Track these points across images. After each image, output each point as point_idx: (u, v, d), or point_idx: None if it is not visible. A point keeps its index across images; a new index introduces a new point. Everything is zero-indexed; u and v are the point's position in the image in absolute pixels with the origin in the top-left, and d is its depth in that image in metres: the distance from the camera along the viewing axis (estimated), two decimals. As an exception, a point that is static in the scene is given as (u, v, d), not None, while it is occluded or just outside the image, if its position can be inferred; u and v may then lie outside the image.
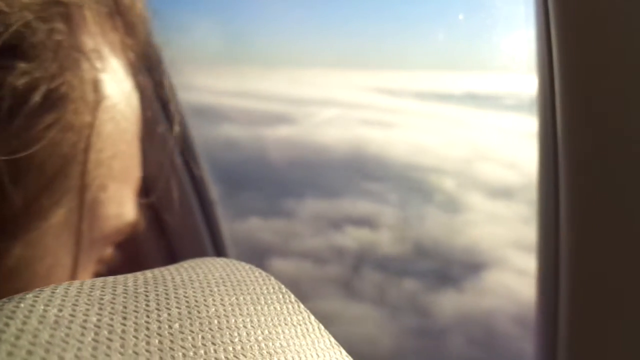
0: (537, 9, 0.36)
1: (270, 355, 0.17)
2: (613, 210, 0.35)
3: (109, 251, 0.28)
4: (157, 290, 0.17)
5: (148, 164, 0.29)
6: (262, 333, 0.17)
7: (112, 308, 0.15)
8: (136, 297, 0.17)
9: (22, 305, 0.14)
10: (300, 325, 0.19)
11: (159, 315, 0.16)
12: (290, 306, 0.19)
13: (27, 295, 0.15)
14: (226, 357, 0.15)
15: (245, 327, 0.17)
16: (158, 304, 0.16)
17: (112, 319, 0.15)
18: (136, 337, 0.14)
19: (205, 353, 0.15)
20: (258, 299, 0.19)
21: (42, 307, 0.14)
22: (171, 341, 0.15)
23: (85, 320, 0.14)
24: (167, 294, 0.17)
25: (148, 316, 0.16)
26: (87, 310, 0.15)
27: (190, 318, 0.16)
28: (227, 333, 0.16)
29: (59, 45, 0.22)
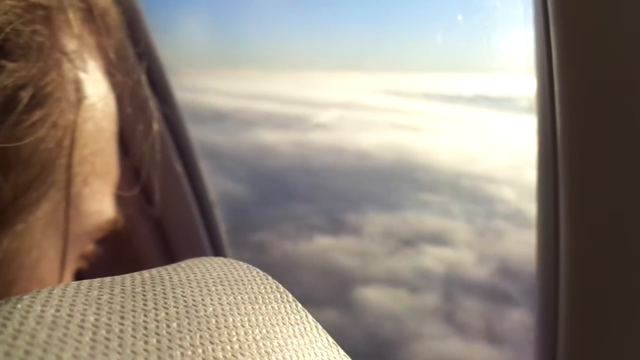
0: (536, 9, 0.36)
1: (268, 354, 0.17)
2: (612, 211, 0.35)
3: (90, 248, 0.28)
4: (155, 290, 0.17)
5: (125, 162, 0.30)
6: (260, 332, 0.17)
7: (110, 308, 0.15)
8: (134, 296, 0.17)
9: (19, 305, 0.14)
10: (297, 324, 0.19)
11: (156, 315, 0.16)
12: (287, 305, 0.19)
13: (24, 296, 0.15)
14: (224, 357, 0.15)
15: (243, 326, 0.17)
16: (156, 304, 0.16)
17: (110, 319, 0.15)
18: (134, 337, 0.14)
19: (204, 352, 0.15)
20: (256, 298, 0.19)
21: (40, 308, 0.14)
22: (169, 340, 0.15)
23: (83, 320, 0.14)
24: (164, 294, 0.17)
25: (146, 315, 0.16)
26: (85, 310, 0.15)
27: (188, 317, 0.16)
28: (225, 332, 0.16)
29: (42, 47, 0.24)
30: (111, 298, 0.16)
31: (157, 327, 0.15)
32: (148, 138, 0.40)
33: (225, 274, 0.20)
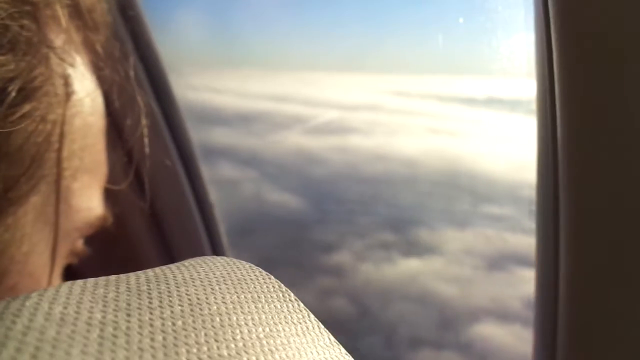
0: (537, 12, 0.36)
1: (272, 352, 0.17)
2: (612, 213, 0.36)
3: (80, 244, 0.29)
4: (160, 288, 0.18)
5: (114, 158, 0.30)
6: (264, 331, 0.17)
7: (116, 305, 0.16)
8: (139, 294, 0.17)
9: (27, 303, 0.14)
10: (300, 323, 0.19)
11: (162, 313, 0.16)
12: (290, 304, 0.20)
13: (32, 294, 0.15)
14: (229, 354, 0.16)
15: (246, 324, 0.17)
16: (161, 302, 0.17)
17: (116, 316, 0.15)
18: (140, 334, 0.15)
19: (209, 350, 0.15)
20: (259, 297, 0.19)
21: (48, 305, 0.15)
22: (175, 338, 0.15)
23: (90, 318, 0.15)
24: (169, 292, 0.17)
25: (151, 313, 0.16)
26: (92, 307, 0.15)
27: (192, 315, 0.16)
28: (229, 330, 0.17)
29: (29, 42, 0.24)
30: (117, 296, 0.16)
31: (163, 324, 0.15)
32: (137, 132, 0.41)
33: (228, 273, 0.20)
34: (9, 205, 0.23)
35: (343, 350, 0.19)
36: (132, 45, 0.59)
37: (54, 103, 0.25)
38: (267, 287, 0.20)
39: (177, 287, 0.18)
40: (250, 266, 0.21)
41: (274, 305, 0.19)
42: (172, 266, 0.20)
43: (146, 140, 0.40)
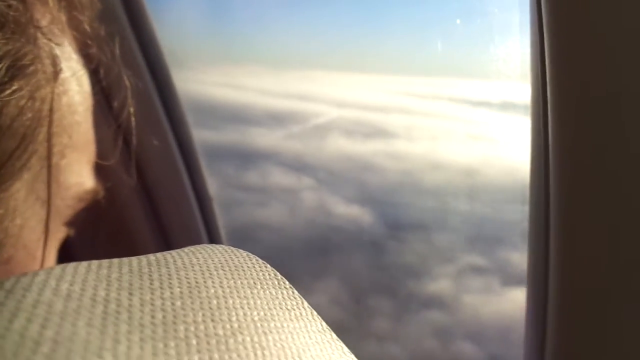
0: (532, 16, 0.37)
1: (265, 334, 0.18)
2: (603, 215, 0.36)
3: (73, 216, 0.29)
4: (160, 271, 0.18)
5: (101, 135, 0.31)
6: (258, 314, 0.18)
7: (119, 284, 0.16)
8: (141, 276, 0.18)
9: (36, 279, 0.15)
10: (294, 309, 0.20)
11: (162, 293, 0.17)
12: (285, 291, 0.21)
13: (40, 272, 0.16)
14: (224, 334, 0.16)
15: (242, 307, 0.18)
16: (161, 283, 0.17)
17: (119, 294, 0.16)
18: (142, 311, 0.15)
19: (205, 329, 0.16)
20: (255, 283, 0.20)
21: (55, 282, 0.15)
22: (174, 316, 0.16)
23: (94, 294, 0.15)
24: (169, 275, 0.18)
25: (152, 293, 0.17)
26: (96, 285, 0.16)
27: (191, 297, 0.17)
28: (226, 312, 0.17)
29: (17, 21, 0.24)
30: (120, 276, 0.17)
31: (163, 304, 0.16)
32: (123, 111, 0.42)
33: (226, 260, 0.21)
34: (2, 182, 0.24)
35: (334, 335, 0.20)
36: (134, 38, 0.59)
37: (42, 81, 0.25)
38: (263, 274, 0.21)
39: (177, 270, 0.19)
40: (247, 254, 0.22)
41: (269, 292, 0.20)
42: (173, 252, 0.21)
43: (133, 118, 0.41)
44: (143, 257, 0.20)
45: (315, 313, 0.21)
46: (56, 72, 0.26)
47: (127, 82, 0.39)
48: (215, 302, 0.18)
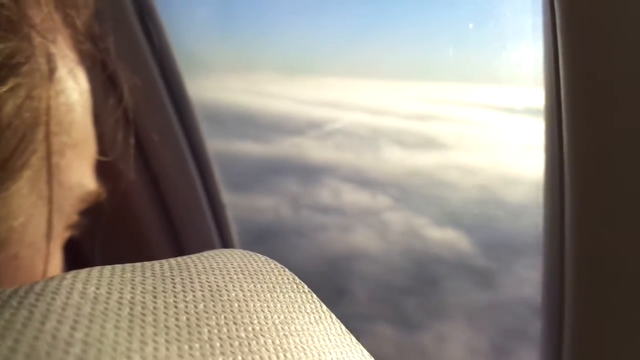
0: (545, 19, 0.37)
1: (286, 337, 0.18)
2: (617, 220, 0.36)
3: (76, 218, 0.29)
4: (182, 275, 0.19)
5: (100, 132, 0.31)
6: (279, 317, 0.19)
7: (144, 288, 0.17)
8: (163, 279, 0.18)
9: (63, 283, 0.16)
10: (313, 313, 0.20)
11: (184, 296, 0.17)
12: (304, 295, 0.21)
13: (66, 276, 0.16)
14: (247, 336, 0.17)
15: (262, 311, 0.18)
16: (184, 287, 0.18)
17: (144, 297, 0.16)
18: (166, 314, 0.16)
19: (228, 331, 0.16)
20: (274, 287, 0.20)
21: (82, 285, 0.16)
22: (197, 319, 0.16)
23: (120, 297, 0.16)
24: (191, 279, 0.19)
25: (175, 296, 0.17)
26: (122, 289, 0.16)
27: (212, 300, 0.18)
28: (247, 315, 0.18)
29: (10, 20, 0.24)
30: (143, 280, 0.17)
31: (186, 307, 0.17)
32: (119, 107, 0.41)
33: (245, 264, 0.21)
34: (3, 180, 0.24)
35: (354, 339, 0.20)
36: (146, 45, 0.60)
37: (38, 79, 0.25)
38: (282, 278, 0.21)
39: (198, 274, 0.19)
40: (265, 259, 0.23)
41: (289, 296, 0.20)
42: (193, 256, 0.22)
43: (131, 113, 0.41)
44: (164, 262, 0.20)
45: (334, 316, 0.21)
46: (52, 70, 0.26)
47: (124, 78, 0.38)
48: (236, 305, 0.18)
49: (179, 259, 0.21)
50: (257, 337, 0.17)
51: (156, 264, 0.19)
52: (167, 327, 0.15)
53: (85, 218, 0.31)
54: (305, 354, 0.18)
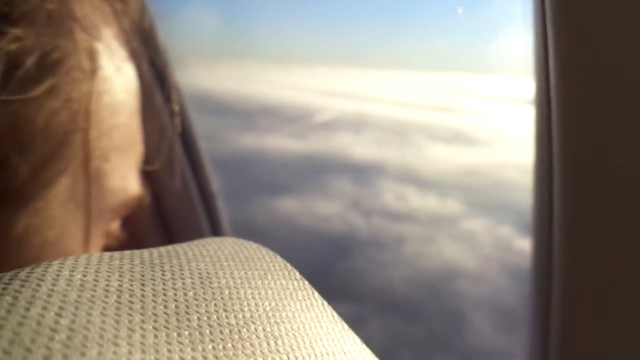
0: (535, 10, 0.37)
1: (277, 324, 0.18)
2: (607, 214, 0.36)
3: (116, 225, 0.28)
4: (172, 262, 0.18)
5: (147, 136, 0.29)
6: (270, 304, 0.18)
7: (132, 275, 0.16)
8: (152, 267, 0.18)
9: (49, 270, 0.15)
10: (305, 300, 0.20)
11: (174, 284, 0.17)
12: (295, 282, 0.21)
13: (53, 263, 0.16)
14: (237, 323, 0.16)
15: (253, 298, 0.18)
16: (173, 274, 0.17)
17: (132, 285, 0.16)
18: (154, 301, 0.16)
19: (218, 318, 0.16)
20: (265, 274, 0.20)
21: (68, 272, 0.15)
22: (186, 306, 0.16)
23: (107, 285, 0.15)
24: (180, 266, 0.18)
25: (164, 284, 0.17)
26: (109, 276, 0.16)
27: (203, 287, 0.17)
28: (237, 302, 0.17)
29: (51, 14, 0.23)
30: (132, 267, 0.17)
31: (175, 294, 0.16)
32: (168, 108, 0.39)
33: (236, 252, 0.21)
34: (38, 189, 0.23)
35: (346, 326, 0.20)
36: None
37: (79, 79, 0.24)
38: (274, 265, 0.21)
39: (188, 262, 0.19)
40: (257, 246, 0.22)
41: (280, 283, 0.20)
42: (183, 244, 0.21)
43: (177, 118, 0.39)
44: (154, 250, 0.20)
45: (326, 304, 0.21)
46: (94, 69, 0.24)
47: (174, 79, 0.36)
48: (227, 292, 0.18)
49: (169, 247, 0.21)
50: (247, 324, 0.17)
51: (145, 252, 0.19)
52: (155, 314, 0.15)
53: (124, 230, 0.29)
54: (297, 340, 0.17)
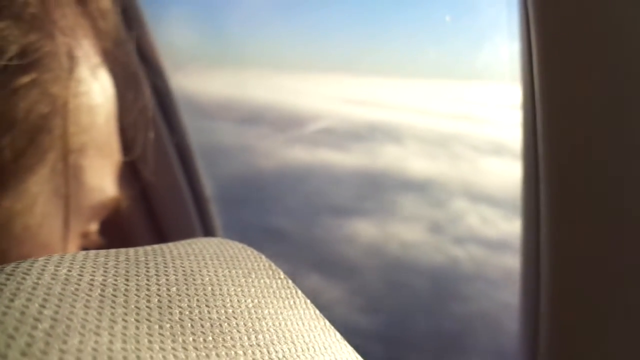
0: (520, 16, 0.37)
1: (259, 320, 0.18)
2: (593, 216, 0.37)
3: (95, 227, 0.29)
4: (156, 260, 0.19)
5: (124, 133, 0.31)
6: (252, 302, 0.19)
7: (116, 271, 0.17)
8: (137, 264, 0.18)
9: (35, 265, 0.16)
10: (288, 298, 0.20)
11: (157, 280, 0.17)
12: (279, 281, 0.21)
13: (39, 259, 0.17)
14: (218, 318, 0.17)
15: (236, 295, 0.19)
16: (157, 271, 0.18)
17: (116, 280, 0.16)
18: (138, 296, 0.16)
19: (200, 313, 0.17)
20: (249, 273, 0.21)
21: (53, 267, 0.16)
22: (169, 301, 0.16)
23: (92, 280, 0.16)
24: (165, 263, 0.19)
25: (148, 280, 0.17)
26: (94, 272, 0.16)
27: (186, 284, 0.18)
28: (220, 299, 0.18)
29: (34, 16, 0.25)
30: (117, 264, 0.18)
31: (159, 289, 0.17)
32: (140, 110, 0.41)
33: (221, 251, 0.22)
34: (19, 174, 0.24)
35: (328, 323, 0.21)
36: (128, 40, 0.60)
37: (58, 77, 0.25)
38: (258, 264, 0.21)
39: (173, 260, 0.19)
40: (242, 246, 0.23)
41: (264, 281, 0.21)
42: (169, 244, 0.22)
43: (149, 121, 0.41)
44: (140, 248, 0.20)
45: (309, 302, 0.21)
46: (72, 68, 0.26)
47: (146, 84, 0.38)
48: (209, 288, 0.18)
49: (155, 246, 0.21)
50: (229, 319, 0.17)
51: (131, 250, 0.19)
52: (137, 307, 0.15)
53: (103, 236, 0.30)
54: (277, 335, 0.18)
